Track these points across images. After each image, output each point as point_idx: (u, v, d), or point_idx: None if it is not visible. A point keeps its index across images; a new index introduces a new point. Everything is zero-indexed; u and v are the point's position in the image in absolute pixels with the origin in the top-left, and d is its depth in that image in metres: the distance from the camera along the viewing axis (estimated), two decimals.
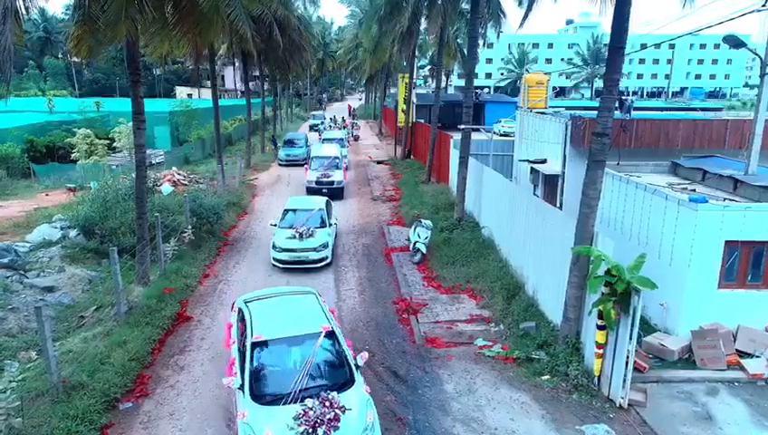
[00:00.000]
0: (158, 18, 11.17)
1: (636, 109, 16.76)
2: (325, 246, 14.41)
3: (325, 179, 22.68)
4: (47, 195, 22.25)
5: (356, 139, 44.57)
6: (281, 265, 14.24)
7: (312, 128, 50.93)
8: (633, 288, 7.79)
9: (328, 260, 14.57)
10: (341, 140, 33.07)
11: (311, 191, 22.25)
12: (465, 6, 24.63)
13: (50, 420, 7.38)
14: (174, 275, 13.09)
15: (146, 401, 8.58)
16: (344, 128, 47.69)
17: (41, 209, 18.78)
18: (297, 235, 14.39)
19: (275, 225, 15.34)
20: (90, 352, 9.11)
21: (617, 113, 10.81)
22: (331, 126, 48.93)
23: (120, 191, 16.00)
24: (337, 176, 23.04)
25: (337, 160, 24.13)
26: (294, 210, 15.74)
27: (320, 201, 16.34)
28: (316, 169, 23.37)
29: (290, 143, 32.90)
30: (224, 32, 18.86)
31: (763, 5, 11.09)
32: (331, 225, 15.43)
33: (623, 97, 13.61)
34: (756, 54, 11.58)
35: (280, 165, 31.04)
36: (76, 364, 8.70)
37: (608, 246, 8.48)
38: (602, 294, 8.10)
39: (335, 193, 22.24)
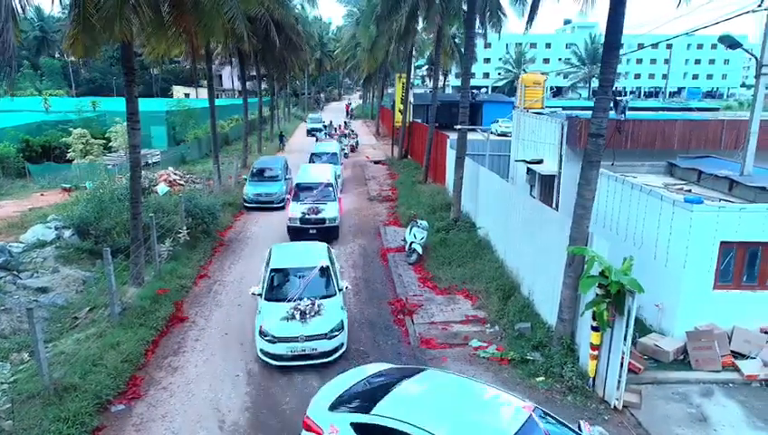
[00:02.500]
0: (154, 18, 11.13)
1: (632, 109, 16.78)
2: (339, 327, 9.77)
3: (314, 216, 16.57)
4: (42, 195, 22.18)
5: (352, 149, 37.30)
6: (275, 363, 9.52)
7: (309, 133, 45.27)
8: (627, 290, 7.77)
9: (344, 349, 9.94)
10: (335, 155, 25.80)
11: (294, 233, 16.49)
12: (465, 6, 24.62)
13: (41, 423, 7.33)
14: (169, 276, 13.03)
15: (138, 404, 8.53)
16: (344, 136, 38.74)
17: (35, 209, 18.73)
18: (297, 314, 9.73)
19: (260, 294, 10.37)
20: (82, 354, 9.05)
21: (612, 114, 10.78)
22: (332, 133, 41.63)
23: (115, 191, 15.97)
24: (330, 211, 16.85)
25: (330, 189, 17.98)
26: (285, 271, 10.81)
27: (319, 251, 11.51)
28: (302, 202, 17.17)
29: (260, 175, 22.29)
30: (221, 31, 18.84)
31: (759, 6, 11.09)
32: (341, 289, 10.61)
33: (618, 97, 13.58)
34: (752, 55, 11.56)
35: (246, 207, 21.18)
36: (68, 366, 8.64)
37: (602, 246, 8.46)
38: (596, 295, 8.08)
39: (327, 235, 16.29)
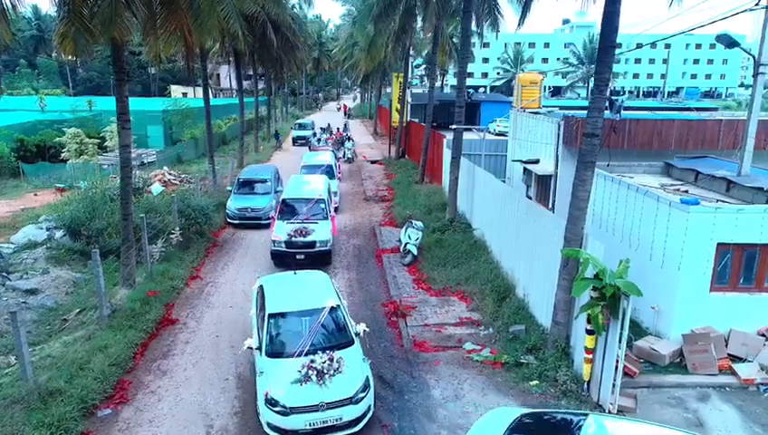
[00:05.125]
0: (149, 17, 10.99)
1: (630, 108, 16.66)
2: (366, 386, 7.82)
3: (302, 239, 14.17)
4: (35, 195, 22.03)
5: (352, 158, 33.41)
6: None
7: (296, 141, 39.77)
8: (622, 292, 7.64)
9: (371, 414, 7.89)
10: (329, 167, 22.24)
11: (278, 259, 14.19)
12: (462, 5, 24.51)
13: (23, 429, 7.18)
14: (160, 277, 12.88)
15: (125, 408, 8.37)
16: (347, 140, 34.54)
17: (28, 210, 18.59)
18: (312, 373, 7.69)
19: (258, 348, 8.25)
20: (69, 357, 8.90)
21: (607, 113, 10.66)
22: (326, 137, 37.91)
23: (108, 191, 15.81)
24: (321, 232, 14.47)
25: (322, 205, 15.56)
26: (287, 315, 8.71)
27: (322, 285, 9.62)
28: (288, 221, 14.86)
29: (246, 187, 19.53)
30: (216, 29, 18.71)
31: (756, 5, 10.95)
32: (358, 334, 8.65)
33: (613, 97, 13.47)
34: (750, 54, 11.42)
35: (229, 223, 18.52)
36: (54, 370, 8.49)
37: (597, 248, 8.33)
38: (591, 297, 7.94)
39: (319, 260, 14.17)
